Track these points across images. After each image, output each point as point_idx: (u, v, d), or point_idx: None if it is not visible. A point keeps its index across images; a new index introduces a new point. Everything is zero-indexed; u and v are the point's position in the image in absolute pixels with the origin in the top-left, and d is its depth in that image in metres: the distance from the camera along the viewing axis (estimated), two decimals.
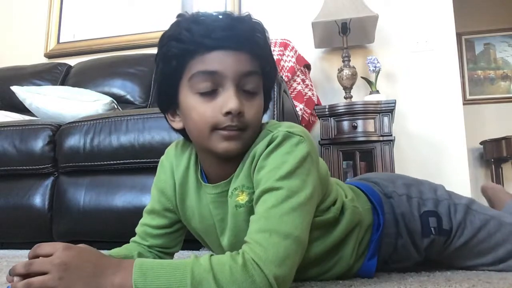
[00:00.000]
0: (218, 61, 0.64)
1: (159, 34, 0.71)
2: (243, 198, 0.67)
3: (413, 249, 0.84)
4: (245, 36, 0.65)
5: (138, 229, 0.82)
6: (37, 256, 0.54)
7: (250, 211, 0.66)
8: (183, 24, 0.66)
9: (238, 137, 0.65)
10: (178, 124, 0.72)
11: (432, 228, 0.83)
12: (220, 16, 0.67)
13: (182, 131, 0.73)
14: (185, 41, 0.64)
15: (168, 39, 0.67)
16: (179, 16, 0.69)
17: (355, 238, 0.78)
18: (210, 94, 0.64)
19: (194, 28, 0.65)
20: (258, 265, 0.54)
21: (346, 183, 0.91)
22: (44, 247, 0.54)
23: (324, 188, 0.72)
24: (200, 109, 0.65)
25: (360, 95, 2.30)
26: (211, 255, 0.56)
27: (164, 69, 0.68)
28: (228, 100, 0.63)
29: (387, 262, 0.85)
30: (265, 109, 0.73)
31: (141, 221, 0.82)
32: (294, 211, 0.60)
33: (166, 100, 0.70)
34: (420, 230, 0.83)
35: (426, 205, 0.85)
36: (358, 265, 0.81)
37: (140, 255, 0.78)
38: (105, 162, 1.58)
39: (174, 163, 0.78)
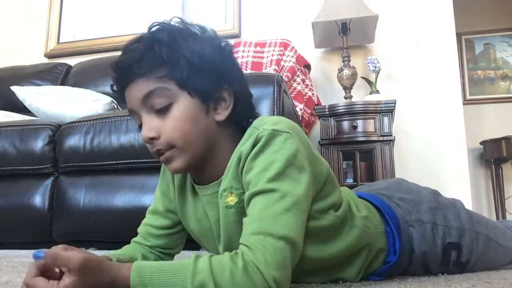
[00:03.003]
0: (127, 98, 0.68)
1: None
2: (232, 200, 0.66)
3: (422, 272, 0.84)
4: (130, 63, 0.65)
5: (140, 229, 0.82)
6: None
7: (241, 211, 0.65)
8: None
9: (172, 157, 0.66)
10: None
11: (452, 262, 0.83)
12: (123, 50, 0.69)
13: None
14: (114, 85, 0.70)
15: (111, 85, 0.72)
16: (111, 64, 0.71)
17: (362, 260, 0.75)
18: (140, 127, 0.68)
19: (113, 74, 0.69)
20: (258, 269, 0.54)
21: (361, 193, 0.86)
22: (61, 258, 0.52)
23: (320, 185, 0.68)
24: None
25: (360, 95, 2.30)
26: (211, 255, 0.56)
27: None
28: (142, 131, 0.67)
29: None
30: (223, 108, 0.68)
31: (144, 221, 0.83)
32: (287, 212, 0.59)
33: None
34: (439, 260, 0.82)
35: (451, 235, 0.82)
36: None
37: (144, 257, 0.78)
38: (105, 162, 1.58)
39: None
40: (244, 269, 0.53)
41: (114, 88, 0.70)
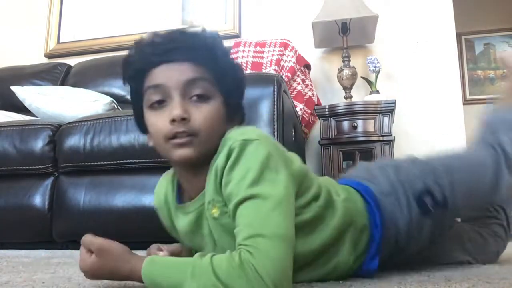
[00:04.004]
0: (162, 74, 0.68)
1: None
2: (216, 212, 0.68)
3: (416, 235, 0.85)
4: (187, 46, 0.68)
5: None
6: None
7: (224, 223, 0.68)
8: (136, 48, 0.71)
9: (189, 143, 0.67)
10: (151, 142, 0.74)
11: (431, 207, 0.84)
12: (168, 33, 0.71)
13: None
14: (137, 62, 0.70)
15: (124, 64, 0.72)
16: (137, 41, 0.72)
17: (350, 239, 0.78)
18: (160, 106, 0.68)
19: (144, 49, 0.70)
20: (255, 269, 0.55)
21: (340, 180, 0.90)
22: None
23: (298, 183, 0.70)
24: (154, 121, 0.69)
25: (360, 95, 2.30)
26: (213, 254, 0.58)
27: (130, 93, 0.75)
28: (172, 108, 0.66)
29: (391, 257, 0.86)
30: (236, 119, 0.74)
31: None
32: (273, 212, 0.60)
33: (139, 122, 0.75)
34: (420, 213, 0.83)
35: (416, 186, 0.84)
36: (358, 265, 0.81)
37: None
38: (105, 162, 1.58)
39: (162, 191, 0.82)
40: (240, 264, 0.55)
41: (141, 59, 0.69)
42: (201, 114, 0.67)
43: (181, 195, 0.79)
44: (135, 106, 0.74)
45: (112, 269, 0.62)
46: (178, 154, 0.67)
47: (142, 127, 0.75)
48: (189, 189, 0.75)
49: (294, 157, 0.74)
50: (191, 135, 0.66)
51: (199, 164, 0.70)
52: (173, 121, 0.66)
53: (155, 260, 0.61)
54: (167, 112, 0.67)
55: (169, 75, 0.67)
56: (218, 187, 0.67)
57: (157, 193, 0.84)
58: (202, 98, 0.68)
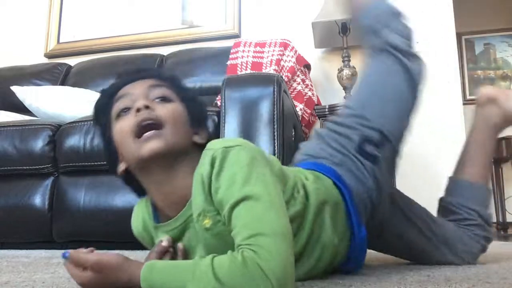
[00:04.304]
0: (127, 87, 0.75)
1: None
2: (208, 222, 0.68)
3: (382, 182, 0.86)
4: (149, 69, 0.83)
5: None
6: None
7: (217, 233, 0.68)
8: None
9: (157, 135, 0.69)
10: (123, 166, 0.76)
11: (374, 151, 0.86)
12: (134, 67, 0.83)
13: (129, 176, 0.77)
14: (104, 92, 0.78)
15: (95, 103, 0.79)
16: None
17: (328, 217, 0.78)
18: (126, 113, 0.72)
19: (112, 83, 0.79)
20: (258, 265, 0.55)
21: (299, 164, 0.91)
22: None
23: (283, 182, 0.73)
24: (120, 126, 0.72)
25: None
26: (215, 255, 0.58)
27: (101, 135, 0.79)
28: (136, 104, 0.71)
29: (373, 219, 0.88)
30: (201, 133, 0.76)
31: None
32: (268, 211, 0.61)
33: (109, 152, 0.77)
34: (371, 164, 0.85)
35: (353, 140, 0.87)
36: (346, 244, 0.82)
37: None
38: (105, 162, 1.58)
39: (139, 219, 0.82)
40: (243, 262, 0.55)
41: (109, 87, 0.77)
42: (164, 108, 0.72)
43: (159, 217, 0.78)
44: (105, 142, 0.77)
45: (112, 281, 0.62)
46: (148, 147, 0.69)
47: (114, 161, 0.77)
48: (166, 206, 0.74)
49: (274, 160, 0.75)
50: (157, 126, 0.69)
51: (168, 165, 0.71)
52: (137, 111, 0.70)
53: (153, 266, 0.60)
54: (133, 113, 0.71)
55: (133, 86, 0.75)
56: (209, 196, 0.67)
57: (134, 223, 0.84)
58: (164, 99, 0.74)
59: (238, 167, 0.64)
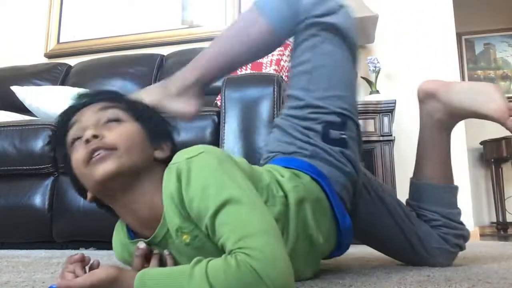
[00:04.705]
0: (78, 114, 0.72)
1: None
2: (186, 238, 0.66)
3: (354, 159, 0.85)
4: (97, 93, 0.75)
5: None
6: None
7: (199, 246, 0.66)
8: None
9: (108, 156, 0.65)
10: (90, 194, 0.74)
11: (339, 134, 0.84)
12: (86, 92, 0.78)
13: (96, 200, 0.75)
14: (58, 125, 0.75)
15: (52, 140, 0.76)
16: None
17: (310, 215, 0.77)
18: (79, 142, 0.69)
19: (66, 110, 0.75)
20: (253, 267, 0.54)
21: (272, 163, 0.87)
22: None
23: (254, 182, 0.70)
24: (75, 157, 0.69)
25: (360, 95, 2.30)
26: (210, 259, 0.56)
27: (63, 162, 0.75)
28: (84, 134, 0.67)
29: (357, 204, 0.88)
30: (165, 147, 0.73)
31: None
32: (250, 211, 0.60)
33: (75, 181, 0.74)
34: (341, 148, 0.84)
35: (315, 129, 0.84)
36: (333, 239, 0.82)
37: None
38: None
39: (118, 242, 0.79)
40: (237, 267, 0.54)
41: (62, 119, 0.74)
42: (114, 132, 0.68)
43: (137, 237, 0.75)
44: (70, 175, 0.74)
45: None
46: (100, 170, 0.65)
47: (83, 190, 0.74)
48: (139, 226, 0.72)
49: (242, 161, 0.74)
50: (108, 149, 0.66)
51: (127, 185, 0.68)
52: (86, 142, 0.66)
53: (145, 276, 0.58)
54: (82, 144, 0.67)
55: (83, 112, 0.71)
56: (183, 212, 0.65)
57: (115, 248, 0.81)
58: (115, 121, 0.69)
59: (207, 173, 0.62)
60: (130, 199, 0.69)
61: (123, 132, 0.68)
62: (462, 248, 1.01)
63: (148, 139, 0.71)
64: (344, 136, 0.85)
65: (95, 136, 0.66)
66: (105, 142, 0.66)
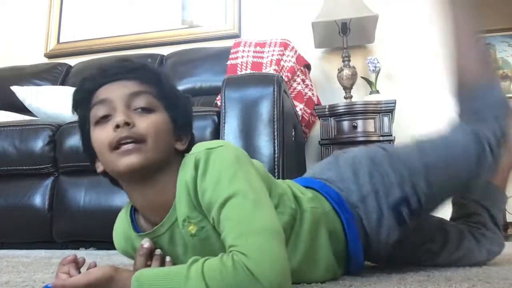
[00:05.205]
0: (107, 90, 0.69)
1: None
2: (192, 229, 0.67)
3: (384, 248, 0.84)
4: (132, 67, 0.71)
5: None
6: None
7: (203, 238, 0.67)
8: (85, 77, 0.72)
9: (136, 150, 0.65)
10: (100, 167, 0.72)
11: (406, 217, 0.83)
12: (116, 60, 0.73)
13: (107, 175, 0.73)
14: (85, 85, 0.71)
15: (74, 91, 0.72)
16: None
17: (326, 238, 0.77)
18: (105, 121, 0.67)
19: (91, 72, 0.71)
20: (248, 268, 0.53)
21: (297, 180, 0.88)
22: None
23: (267, 186, 0.70)
24: (98, 135, 0.67)
25: (360, 95, 2.30)
26: (206, 259, 0.56)
27: (78, 124, 0.73)
28: (115, 117, 0.66)
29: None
30: (185, 139, 0.73)
31: None
32: (256, 208, 0.60)
33: (87, 147, 0.72)
34: (396, 224, 0.83)
35: (394, 193, 0.82)
36: (342, 267, 0.82)
37: None
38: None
39: (120, 232, 0.79)
40: (233, 268, 0.54)
41: (90, 81, 0.70)
42: (146, 121, 0.67)
43: (140, 227, 0.75)
44: (83, 135, 0.73)
45: None
46: (125, 162, 0.65)
47: (92, 157, 0.72)
48: (149, 211, 0.72)
49: (259, 164, 0.74)
50: (137, 141, 0.65)
51: (148, 177, 0.68)
52: (116, 127, 0.65)
53: (142, 277, 0.58)
54: (110, 123, 0.66)
55: (113, 89, 0.68)
56: (194, 201, 0.65)
57: (116, 238, 0.80)
58: (146, 110, 0.68)
59: (222, 166, 0.63)
60: (145, 187, 0.69)
61: (154, 123, 0.67)
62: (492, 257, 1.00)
63: (173, 130, 0.71)
64: (408, 221, 0.83)
65: (126, 124, 0.65)
66: (135, 131, 0.65)
